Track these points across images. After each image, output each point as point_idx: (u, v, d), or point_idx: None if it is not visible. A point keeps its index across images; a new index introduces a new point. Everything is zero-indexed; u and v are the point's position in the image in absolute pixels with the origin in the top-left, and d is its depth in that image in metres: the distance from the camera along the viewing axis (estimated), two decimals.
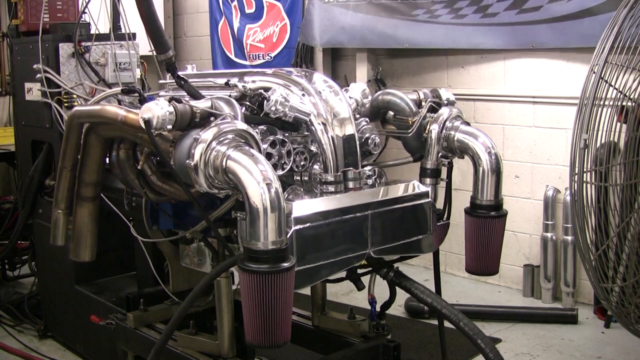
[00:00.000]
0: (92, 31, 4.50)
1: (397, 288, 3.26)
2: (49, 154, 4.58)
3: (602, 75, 3.75)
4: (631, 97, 3.91)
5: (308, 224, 2.65)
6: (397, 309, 5.23)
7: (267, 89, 2.87)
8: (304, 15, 6.89)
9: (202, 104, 2.74)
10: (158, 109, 2.58)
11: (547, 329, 5.01)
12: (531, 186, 5.69)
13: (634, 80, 3.90)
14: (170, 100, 2.63)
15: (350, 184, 2.90)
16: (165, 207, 3.15)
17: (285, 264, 2.43)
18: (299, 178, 2.93)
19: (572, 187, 3.88)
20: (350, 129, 2.93)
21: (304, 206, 2.69)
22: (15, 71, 4.89)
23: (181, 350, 3.28)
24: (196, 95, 2.89)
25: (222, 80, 3.03)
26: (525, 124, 5.69)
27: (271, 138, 2.77)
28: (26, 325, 5.05)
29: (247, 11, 7.59)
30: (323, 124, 2.86)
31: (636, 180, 3.94)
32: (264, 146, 2.71)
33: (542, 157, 5.61)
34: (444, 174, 3.28)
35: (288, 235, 2.52)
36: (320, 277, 2.75)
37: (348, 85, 3.31)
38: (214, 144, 2.53)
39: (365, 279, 3.27)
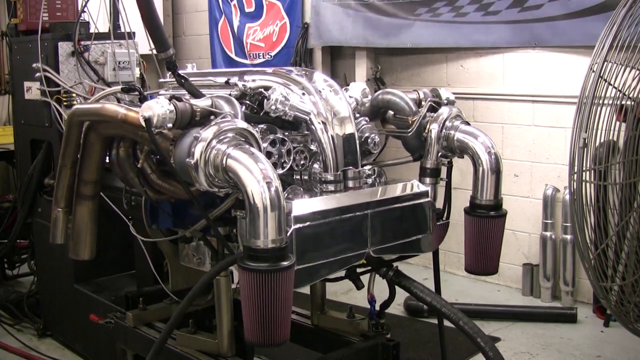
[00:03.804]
0: (92, 30, 4.49)
1: (396, 287, 3.26)
2: (48, 153, 4.58)
3: (601, 74, 3.75)
4: (630, 95, 3.92)
5: (308, 223, 2.65)
6: (397, 308, 5.24)
7: (267, 88, 2.86)
8: (311, 16, 6.88)
9: (202, 103, 2.74)
10: (158, 107, 2.58)
11: (546, 327, 5.01)
12: (530, 185, 5.70)
13: (633, 79, 3.90)
14: (170, 99, 2.63)
15: (350, 183, 2.90)
16: (165, 206, 3.15)
17: (285, 263, 2.43)
18: (298, 177, 2.92)
19: (572, 186, 3.88)
20: (350, 128, 2.93)
21: (304, 205, 2.69)
22: (15, 70, 4.89)
23: (180, 349, 3.28)
24: (196, 94, 2.88)
25: (222, 79, 3.02)
26: (524, 123, 5.70)
27: (271, 137, 2.77)
28: (25, 324, 5.05)
29: (247, 10, 7.59)
30: (323, 123, 2.85)
31: (635, 179, 3.95)
32: (264, 145, 2.71)
33: (541, 156, 5.61)
34: (443, 174, 3.29)
35: (288, 234, 2.52)
36: (319, 276, 2.75)
37: (347, 84, 3.31)
38: (214, 142, 2.53)
39: (365, 278, 3.27)
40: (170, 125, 2.61)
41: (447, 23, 5.87)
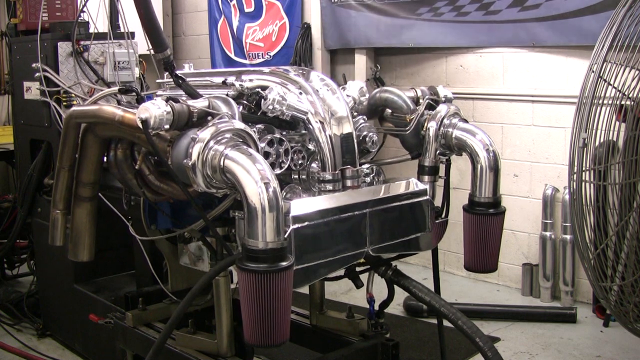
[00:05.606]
0: (91, 30, 4.49)
1: (395, 287, 3.26)
2: (47, 153, 4.58)
3: (601, 74, 3.75)
4: (630, 95, 3.91)
5: (306, 223, 2.65)
6: (396, 308, 5.23)
7: (264, 88, 2.87)
8: (322, 19, 6.85)
9: (199, 104, 2.74)
10: (155, 109, 2.57)
11: (545, 327, 5.00)
12: (530, 185, 5.69)
13: (632, 79, 3.90)
14: (167, 100, 2.62)
15: (348, 182, 2.90)
16: (164, 207, 3.15)
17: (284, 263, 2.43)
18: (297, 177, 2.93)
19: (571, 185, 3.88)
20: (348, 127, 2.93)
21: (302, 205, 2.69)
22: (14, 70, 4.89)
23: (180, 349, 3.28)
24: (194, 95, 2.88)
25: (219, 79, 3.02)
26: (524, 123, 5.69)
27: (269, 137, 2.77)
28: (25, 324, 5.05)
29: (247, 10, 7.59)
30: (321, 122, 2.85)
31: (635, 179, 3.95)
32: (261, 145, 2.71)
33: (541, 155, 5.61)
34: (442, 172, 3.29)
35: (286, 234, 2.52)
36: (318, 275, 2.76)
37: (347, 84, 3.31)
38: (211, 143, 2.53)
39: (364, 278, 3.27)
40: (167, 126, 2.61)
41: (448, 22, 5.87)
